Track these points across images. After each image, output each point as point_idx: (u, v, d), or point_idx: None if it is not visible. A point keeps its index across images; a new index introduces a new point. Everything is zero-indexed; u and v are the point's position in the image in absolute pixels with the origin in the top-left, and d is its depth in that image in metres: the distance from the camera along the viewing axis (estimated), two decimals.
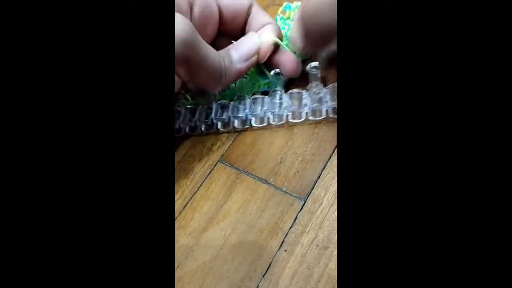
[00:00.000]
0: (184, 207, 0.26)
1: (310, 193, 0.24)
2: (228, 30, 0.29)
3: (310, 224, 0.23)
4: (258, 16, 0.29)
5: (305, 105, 0.27)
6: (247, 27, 0.29)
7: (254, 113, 0.28)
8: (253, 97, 0.29)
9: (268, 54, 0.28)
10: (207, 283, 0.22)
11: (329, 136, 0.27)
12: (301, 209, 0.24)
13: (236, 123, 0.29)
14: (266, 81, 0.30)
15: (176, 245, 0.24)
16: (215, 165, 0.28)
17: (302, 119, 0.28)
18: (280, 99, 0.28)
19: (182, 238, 0.24)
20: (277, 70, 0.28)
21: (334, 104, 0.26)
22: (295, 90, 0.28)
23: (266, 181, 0.26)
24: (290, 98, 0.28)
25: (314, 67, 0.28)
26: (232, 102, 0.29)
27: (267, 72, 0.30)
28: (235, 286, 0.22)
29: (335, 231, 0.22)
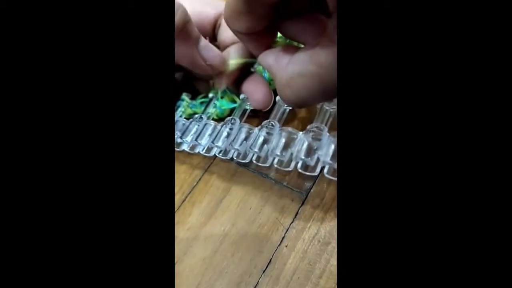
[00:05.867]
0: (182, 202, 0.26)
1: (312, 187, 0.24)
2: None
3: (311, 220, 0.22)
4: (227, 30, 0.25)
5: (253, 146, 0.24)
6: (219, 40, 0.27)
7: (199, 142, 0.26)
8: (206, 121, 0.27)
9: (231, 80, 0.25)
10: (206, 279, 0.22)
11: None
12: (302, 204, 0.23)
13: (185, 146, 0.27)
14: (234, 106, 0.28)
15: (175, 240, 0.24)
16: (214, 158, 0.27)
17: (247, 161, 0.24)
18: (230, 129, 0.25)
19: (181, 233, 0.24)
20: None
21: (282, 154, 0.22)
22: (246, 125, 0.25)
23: (266, 176, 0.25)
24: (240, 132, 0.25)
25: None
26: (188, 121, 0.27)
27: (235, 97, 0.27)
28: (235, 282, 0.21)
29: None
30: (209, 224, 0.24)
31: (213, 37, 0.27)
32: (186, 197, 0.26)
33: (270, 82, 0.28)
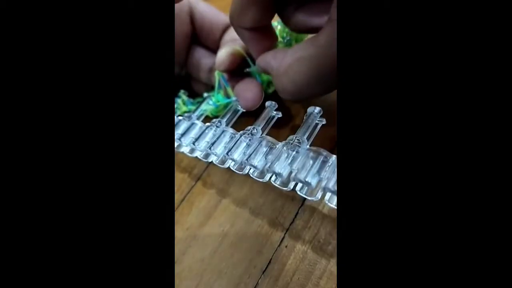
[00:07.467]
0: (181, 202, 0.25)
1: None
2: (204, 42, 0.29)
3: (311, 220, 0.22)
4: (232, 34, 0.27)
5: (231, 153, 0.23)
6: (221, 42, 0.28)
7: (182, 141, 0.25)
8: (193, 121, 0.26)
9: (225, 64, 0.25)
10: (205, 280, 0.21)
11: (329, 132, 0.26)
12: (302, 203, 0.23)
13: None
14: (228, 101, 0.27)
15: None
16: None
17: (226, 167, 0.23)
18: (215, 131, 0.25)
19: (179, 233, 0.24)
20: None
21: (259, 164, 0.21)
22: (230, 130, 0.24)
23: None
24: (223, 136, 0.24)
25: (275, 106, 0.24)
26: (177, 118, 0.27)
27: (230, 92, 0.27)
28: (234, 283, 0.21)
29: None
30: (208, 224, 0.24)
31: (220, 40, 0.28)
32: (184, 197, 0.26)
33: (266, 84, 0.28)
